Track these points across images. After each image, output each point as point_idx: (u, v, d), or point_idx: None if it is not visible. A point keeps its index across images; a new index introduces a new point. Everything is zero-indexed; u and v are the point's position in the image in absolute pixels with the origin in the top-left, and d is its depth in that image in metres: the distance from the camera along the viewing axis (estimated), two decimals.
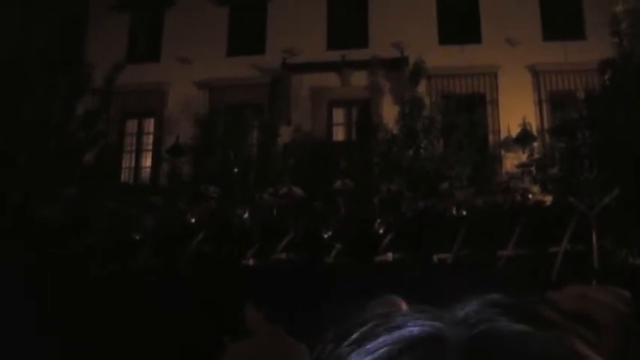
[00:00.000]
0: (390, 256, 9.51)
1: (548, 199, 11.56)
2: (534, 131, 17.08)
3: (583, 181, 9.69)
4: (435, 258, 9.41)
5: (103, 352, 8.64)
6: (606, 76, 12.52)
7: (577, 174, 9.96)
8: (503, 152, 17.38)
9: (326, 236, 9.74)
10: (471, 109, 17.43)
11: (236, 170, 16.20)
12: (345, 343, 0.71)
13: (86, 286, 9.46)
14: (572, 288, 2.09)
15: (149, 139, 20.06)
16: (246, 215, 10.91)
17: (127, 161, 19.89)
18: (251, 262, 9.82)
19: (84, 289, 9.41)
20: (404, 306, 3.97)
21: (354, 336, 0.72)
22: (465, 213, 10.03)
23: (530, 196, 10.44)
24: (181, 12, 20.19)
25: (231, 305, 8.49)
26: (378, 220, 9.79)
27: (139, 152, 20.02)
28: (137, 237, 10.62)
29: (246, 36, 20.09)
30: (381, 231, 9.67)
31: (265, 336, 5.75)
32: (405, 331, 0.69)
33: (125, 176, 19.60)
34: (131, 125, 20.25)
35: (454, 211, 10.05)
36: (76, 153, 15.93)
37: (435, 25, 19.29)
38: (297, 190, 11.03)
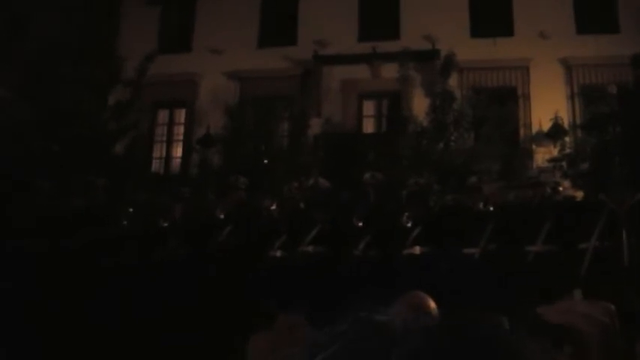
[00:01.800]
0: (417, 249, 9.49)
1: (579, 195, 11.48)
2: (566, 125, 16.94)
3: (613, 177, 9.60)
4: (463, 252, 9.36)
5: (132, 339, 8.72)
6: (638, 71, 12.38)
7: (608, 170, 9.87)
8: (534, 146, 17.24)
9: (359, 225, 9.72)
10: (502, 102, 17.34)
11: (265, 161, 16.23)
12: None
13: (114, 275, 9.54)
14: (562, 303, 2.11)
15: (180, 130, 20.16)
16: (274, 207, 10.93)
17: (158, 151, 20.02)
18: (278, 253, 9.83)
19: (112, 278, 9.50)
20: (431, 303, 3.97)
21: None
22: (492, 208, 9.97)
23: (560, 189, 10.32)
24: (212, 3, 20.26)
25: (256, 297, 8.57)
26: (406, 214, 9.76)
27: (169, 142, 20.15)
28: (165, 224, 10.67)
29: (278, 27, 20.13)
30: (409, 224, 9.64)
31: (286, 328, 5.80)
32: None
33: (156, 166, 19.73)
34: (162, 115, 20.39)
35: (482, 206, 9.98)
36: (108, 143, 16.05)
37: (467, 18, 19.19)
38: (324, 182, 11.02)
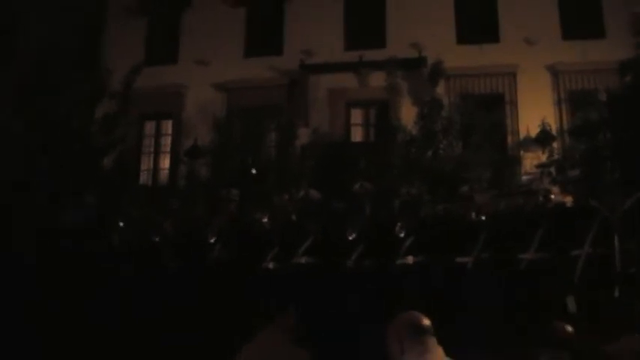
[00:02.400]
0: (410, 259, 9.46)
1: (569, 200, 11.47)
2: (554, 131, 16.96)
3: (605, 184, 9.60)
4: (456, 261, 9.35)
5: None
6: (627, 77, 12.40)
7: (599, 176, 9.87)
8: (522, 153, 17.26)
9: (350, 238, 9.69)
10: (490, 109, 17.34)
11: (254, 172, 16.15)
12: None
13: (107, 289, 9.48)
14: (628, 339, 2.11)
15: (167, 141, 20.07)
16: (265, 219, 10.87)
17: (146, 163, 19.93)
18: (271, 265, 9.79)
19: (105, 292, 9.44)
20: (425, 322, 3.96)
21: None
22: (484, 217, 9.95)
23: (552, 197, 10.33)
24: (198, 14, 20.21)
25: (248, 309, 8.54)
26: (399, 224, 9.73)
27: (157, 154, 20.05)
28: (157, 239, 10.61)
29: (264, 37, 20.09)
30: (401, 234, 9.61)
31: (269, 340, 5.81)
32: None
33: (143, 178, 19.63)
34: (149, 127, 20.29)
35: (474, 215, 9.97)
36: (97, 157, 15.95)
37: (453, 25, 19.19)
38: (315, 194, 10.98)
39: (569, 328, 5.53)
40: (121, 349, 8.71)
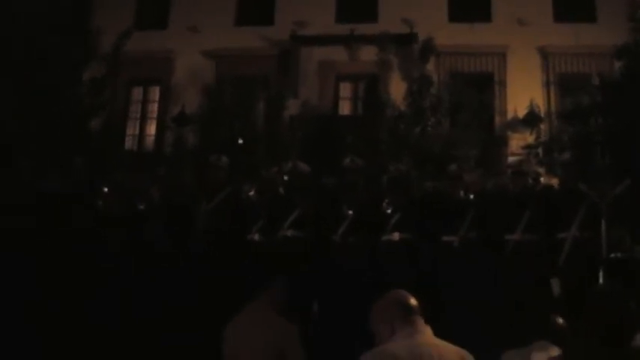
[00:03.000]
0: (396, 236, 9.46)
1: (555, 183, 11.51)
2: (542, 113, 17.03)
3: (595, 168, 9.64)
4: (442, 240, 9.36)
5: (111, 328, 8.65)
6: (621, 62, 12.42)
7: (589, 160, 9.92)
8: (509, 133, 17.31)
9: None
10: (479, 88, 17.37)
11: (241, 142, 16.12)
12: None
13: (94, 259, 9.43)
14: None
15: (154, 107, 19.98)
16: (252, 192, 10.84)
17: (132, 129, 19.84)
18: (256, 237, 9.76)
19: (92, 262, 9.38)
20: (413, 301, 3.96)
21: None
22: (472, 196, 9.96)
23: (541, 179, 10.38)
24: None
25: (236, 282, 8.53)
26: (386, 200, 9.73)
27: (143, 120, 19.96)
28: (142, 207, 10.53)
29: (255, 6, 20.04)
30: (389, 211, 9.61)
31: (256, 313, 5.83)
32: None
33: (129, 144, 19.55)
34: (137, 92, 20.18)
35: (462, 194, 9.98)
36: (84, 119, 15.85)
37: (445, 3, 19.21)
38: (304, 166, 10.92)
39: (561, 321, 5.56)
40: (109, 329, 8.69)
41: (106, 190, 11.03)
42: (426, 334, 3.87)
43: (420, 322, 3.89)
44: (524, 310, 7.58)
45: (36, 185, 10.40)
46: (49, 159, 12.08)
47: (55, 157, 12.17)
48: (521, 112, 17.01)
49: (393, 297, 4.02)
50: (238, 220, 9.88)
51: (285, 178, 10.70)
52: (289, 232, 9.75)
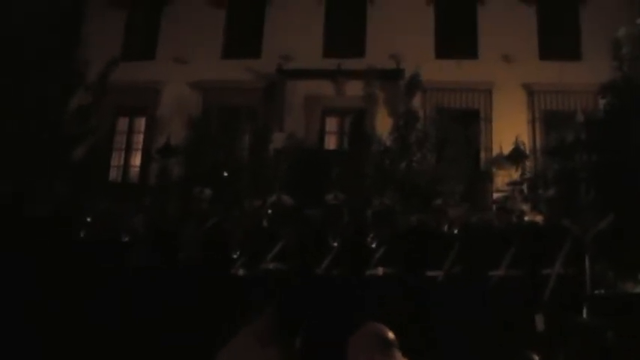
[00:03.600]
0: (380, 270, 9.43)
1: (540, 219, 11.52)
2: (527, 150, 17.08)
3: (579, 205, 9.66)
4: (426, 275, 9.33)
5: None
6: (606, 100, 12.49)
7: (573, 197, 9.93)
8: (494, 170, 17.34)
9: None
10: (465, 124, 17.43)
11: (226, 174, 16.08)
12: None
13: (75, 284, 9.36)
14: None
15: (140, 138, 19.91)
16: (235, 224, 10.81)
17: (117, 159, 19.75)
18: (240, 271, 9.70)
19: (73, 287, 9.31)
20: (391, 334, 3.92)
21: None
22: (456, 231, 9.95)
23: (526, 217, 10.40)
24: (179, 11, 20.13)
25: (217, 312, 8.47)
26: (371, 234, 9.70)
27: (128, 151, 19.87)
28: (126, 238, 10.46)
29: (243, 39, 20.08)
30: (373, 245, 9.58)
31: (240, 344, 5.75)
32: None
33: (114, 174, 19.46)
34: (122, 123, 20.10)
35: (446, 228, 9.97)
36: (68, 148, 15.79)
37: (432, 39, 19.30)
38: (287, 199, 10.89)
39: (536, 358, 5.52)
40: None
41: (89, 219, 10.97)
42: None
43: (399, 355, 3.86)
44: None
45: (17, 210, 10.32)
46: (31, 184, 11.99)
47: (38, 183, 12.09)
48: (507, 149, 17.04)
49: (371, 330, 3.98)
50: (220, 252, 9.82)
51: (269, 210, 10.64)
52: (272, 265, 9.71)
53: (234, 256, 9.84)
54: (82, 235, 10.58)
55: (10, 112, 14.95)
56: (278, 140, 17.37)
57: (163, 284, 9.32)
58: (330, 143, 19.10)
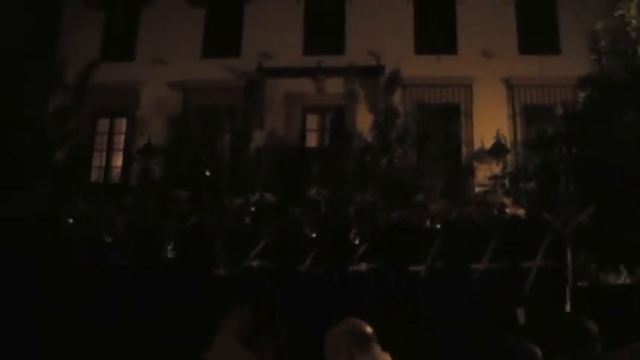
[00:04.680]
0: (363, 266, 9.44)
1: (521, 212, 11.56)
2: (508, 144, 17.14)
3: (559, 197, 9.70)
4: (409, 270, 9.34)
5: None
6: (585, 93, 12.54)
7: (553, 190, 9.97)
8: (475, 164, 17.39)
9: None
10: (446, 119, 17.46)
11: (208, 173, 16.06)
12: None
13: (56, 285, 9.32)
14: None
15: (120, 139, 19.83)
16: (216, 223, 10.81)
17: (98, 160, 19.67)
18: (222, 271, 9.70)
19: (54, 288, 9.27)
20: (369, 329, 3.91)
21: None
22: (438, 226, 9.98)
23: (507, 210, 10.43)
24: (157, 12, 20.07)
25: (200, 313, 8.45)
26: (354, 230, 9.72)
27: (110, 152, 19.80)
28: (108, 239, 10.44)
29: (222, 38, 20.04)
30: (356, 241, 9.60)
31: (221, 345, 5.75)
32: None
33: (95, 176, 19.38)
34: (103, 124, 20.02)
35: (428, 223, 9.99)
36: (48, 150, 15.71)
37: (412, 35, 19.34)
38: (270, 197, 10.90)
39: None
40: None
41: (70, 220, 10.95)
42: None
43: (378, 349, 3.85)
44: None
45: None
46: (9, 185, 11.95)
47: (17, 185, 12.04)
48: (488, 143, 17.11)
49: (349, 325, 3.96)
50: (201, 252, 9.81)
51: (252, 208, 10.64)
52: (255, 263, 9.71)
53: (215, 255, 9.82)
54: (63, 235, 10.55)
55: None
56: (259, 139, 17.36)
57: (144, 284, 9.30)
58: (311, 141, 19.09)
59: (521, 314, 8.60)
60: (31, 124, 15.61)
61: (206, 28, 20.32)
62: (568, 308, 8.47)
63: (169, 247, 9.91)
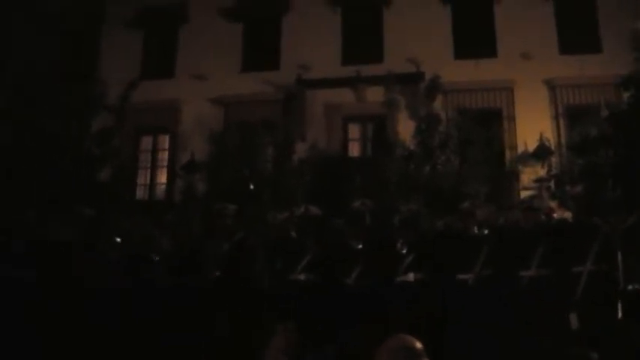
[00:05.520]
0: (411, 276, 9.38)
1: (568, 216, 11.43)
2: (552, 146, 16.97)
3: (606, 200, 9.56)
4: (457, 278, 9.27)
5: None
6: (629, 93, 12.36)
7: (600, 192, 9.84)
8: (520, 167, 17.24)
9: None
10: (488, 124, 17.33)
11: (252, 187, 16.11)
12: None
13: (100, 305, 9.39)
14: None
15: (164, 156, 20.02)
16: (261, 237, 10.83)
17: (143, 178, 19.86)
18: (268, 285, 9.71)
19: (97, 308, 9.34)
20: (418, 345, 3.87)
21: None
22: (486, 232, 9.88)
23: (554, 215, 10.31)
24: (195, 29, 20.26)
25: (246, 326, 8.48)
26: (400, 241, 9.66)
27: (154, 169, 19.98)
28: (155, 257, 10.48)
29: (260, 52, 20.14)
30: (403, 251, 9.54)
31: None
32: None
33: (141, 193, 19.56)
34: (146, 141, 20.23)
35: (476, 230, 9.89)
36: (92, 170, 15.88)
37: (451, 40, 19.26)
38: (315, 210, 10.86)
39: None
40: None
41: (118, 239, 11.04)
42: None
43: None
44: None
45: (41, 234, 10.36)
46: (55, 208, 12.06)
47: (62, 207, 12.15)
48: (531, 146, 16.94)
49: (398, 341, 3.91)
50: (246, 267, 9.82)
51: (297, 221, 10.63)
52: (302, 276, 9.70)
53: (261, 270, 9.83)
54: (111, 255, 10.62)
55: (32, 137, 15.07)
56: (301, 151, 17.37)
57: (187, 300, 9.35)
58: (354, 150, 19.08)
59: (574, 319, 8.50)
60: (75, 146, 15.77)
61: (244, 42, 20.44)
62: (620, 312, 8.35)
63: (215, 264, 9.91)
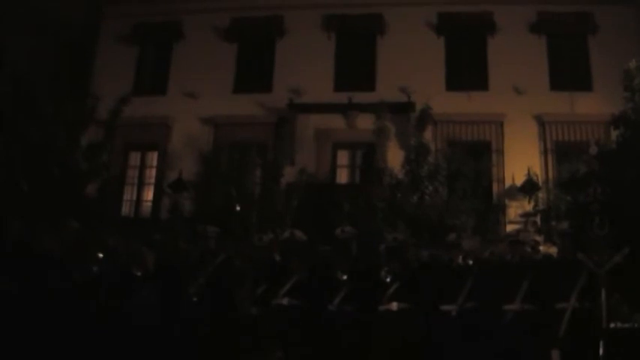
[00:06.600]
0: (394, 305, 9.37)
1: (553, 251, 11.45)
2: (539, 181, 17.01)
3: (593, 238, 9.56)
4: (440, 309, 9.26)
5: None
6: (618, 131, 12.45)
7: (586, 230, 9.85)
8: (507, 201, 17.28)
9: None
10: (477, 156, 17.37)
11: (238, 209, 16.07)
12: None
13: (85, 320, 9.33)
14: None
15: (152, 173, 19.93)
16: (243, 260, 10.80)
17: (129, 194, 19.77)
18: (254, 310, 9.69)
19: (82, 322, 9.28)
20: None
21: None
22: (471, 263, 9.89)
23: (540, 249, 10.33)
24: (189, 47, 20.28)
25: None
26: (385, 269, 9.66)
27: (141, 185, 19.90)
28: (138, 274, 10.41)
29: (254, 74, 20.14)
30: (387, 279, 9.53)
31: None
32: None
33: (126, 209, 19.46)
34: (134, 158, 20.15)
35: (460, 261, 9.90)
36: (79, 184, 15.80)
37: (443, 71, 19.32)
38: (300, 234, 10.85)
39: None
40: None
41: (100, 255, 10.96)
42: None
43: None
44: None
45: (26, 246, 10.28)
46: (41, 221, 11.97)
47: (48, 220, 12.06)
48: (519, 180, 16.99)
49: None
50: (229, 290, 9.80)
51: (281, 246, 10.63)
52: (284, 301, 9.68)
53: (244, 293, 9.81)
54: (94, 270, 10.54)
55: (20, 150, 15.01)
56: (289, 175, 17.36)
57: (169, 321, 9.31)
58: (342, 177, 19.06)
59: (556, 356, 8.50)
60: (64, 159, 15.70)
61: (238, 64, 20.42)
62: (602, 350, 8.34)
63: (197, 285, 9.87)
